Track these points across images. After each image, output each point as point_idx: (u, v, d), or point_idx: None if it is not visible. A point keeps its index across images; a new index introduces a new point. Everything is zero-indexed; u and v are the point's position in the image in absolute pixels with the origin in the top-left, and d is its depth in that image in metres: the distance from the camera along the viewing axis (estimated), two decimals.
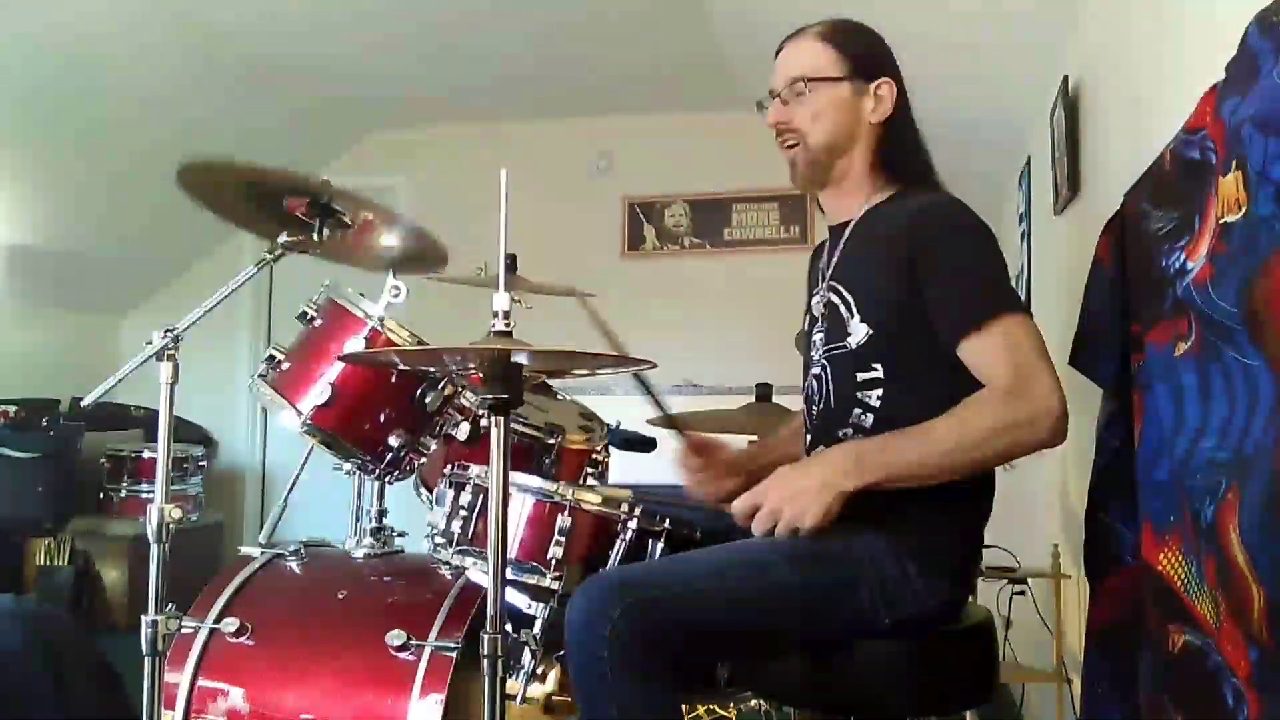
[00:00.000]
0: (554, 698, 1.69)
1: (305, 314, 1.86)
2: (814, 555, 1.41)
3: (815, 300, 1.61)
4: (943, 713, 1.64)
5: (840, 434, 1.51)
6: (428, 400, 1.82)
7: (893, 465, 1.36)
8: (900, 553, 1.40)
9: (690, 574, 1.40)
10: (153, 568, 1.49)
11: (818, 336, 1.57)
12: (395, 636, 1.55)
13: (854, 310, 1.49)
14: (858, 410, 1.49)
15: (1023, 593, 2.51)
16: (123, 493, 4.25)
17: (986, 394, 1.35)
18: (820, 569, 1.40)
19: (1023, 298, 2.95)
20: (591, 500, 1.58)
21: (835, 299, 1.53)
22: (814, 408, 1.58)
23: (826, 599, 1.39)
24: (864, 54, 1.55)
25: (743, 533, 1.46)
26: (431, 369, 1.78)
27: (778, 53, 1.61)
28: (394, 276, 1.85)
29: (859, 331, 1.48)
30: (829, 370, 1.53)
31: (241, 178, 1.70)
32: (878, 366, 1.46)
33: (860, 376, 1.48)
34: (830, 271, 1.57)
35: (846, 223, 1.58)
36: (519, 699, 1.59)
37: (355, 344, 1.78)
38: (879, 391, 1.46)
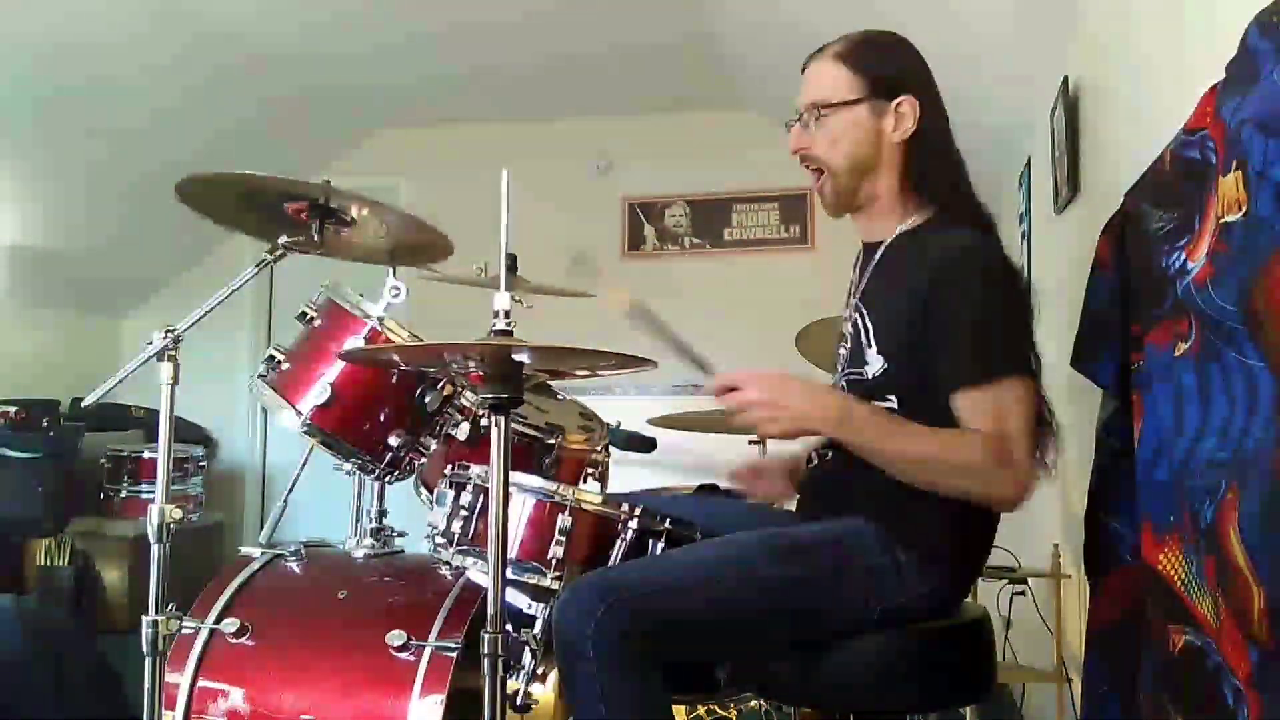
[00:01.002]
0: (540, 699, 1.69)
1: (305, 314, 1.86)
2: (800, 548, 1.42)
3: (845, 316, 1.61)
4: (941, 709, 1.65)
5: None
6: (428, 400, 1.82)
7: (870, 438, 1.40)
8: (891, 541, 1.41)
9: (674, 572, 1.41)
10: (153, 568, 1.49)
11: (841, 353, 1.58)
12: (395, 636, 1.55)
13: (872, 340, 1.49)
14: None
15: (1023, 593, 2.52)
16: (123, 493, 4.25)
17: (980, 438, 1.37)
18: (804, 563, 1.40)
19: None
20: (592, 500, 1.58)
21: (859, 321, 1.53)
22: None
23: (811, 592, 1.40)
24: (883, 72, 1.51)
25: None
26: (432, 368, 1.78)
27: (804, 69, 1.58)
28: (394, 276, 1.85)
29: (875, 362, 1.48)
30: (845, 391, 1.54)
31: (240, 187, 1.70)
32: (891, 399, 1.46)
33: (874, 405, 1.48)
34: (859, 293, 1.57)
35: (880, 242, 1.56)
36: (519, 699, 1.59)
37: (355, 344, 1.78)
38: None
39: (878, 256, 1.55)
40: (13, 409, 3.98)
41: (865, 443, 1.40)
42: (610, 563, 1.55)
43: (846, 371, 1.54)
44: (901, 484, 1.40)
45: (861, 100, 1.50)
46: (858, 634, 1.41)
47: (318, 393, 1.76)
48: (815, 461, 1.61)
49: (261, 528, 1.89)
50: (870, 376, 1.48)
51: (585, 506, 1.56)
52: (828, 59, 1.54)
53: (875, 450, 1.40)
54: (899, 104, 1.50)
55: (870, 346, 1.49)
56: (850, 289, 1.63)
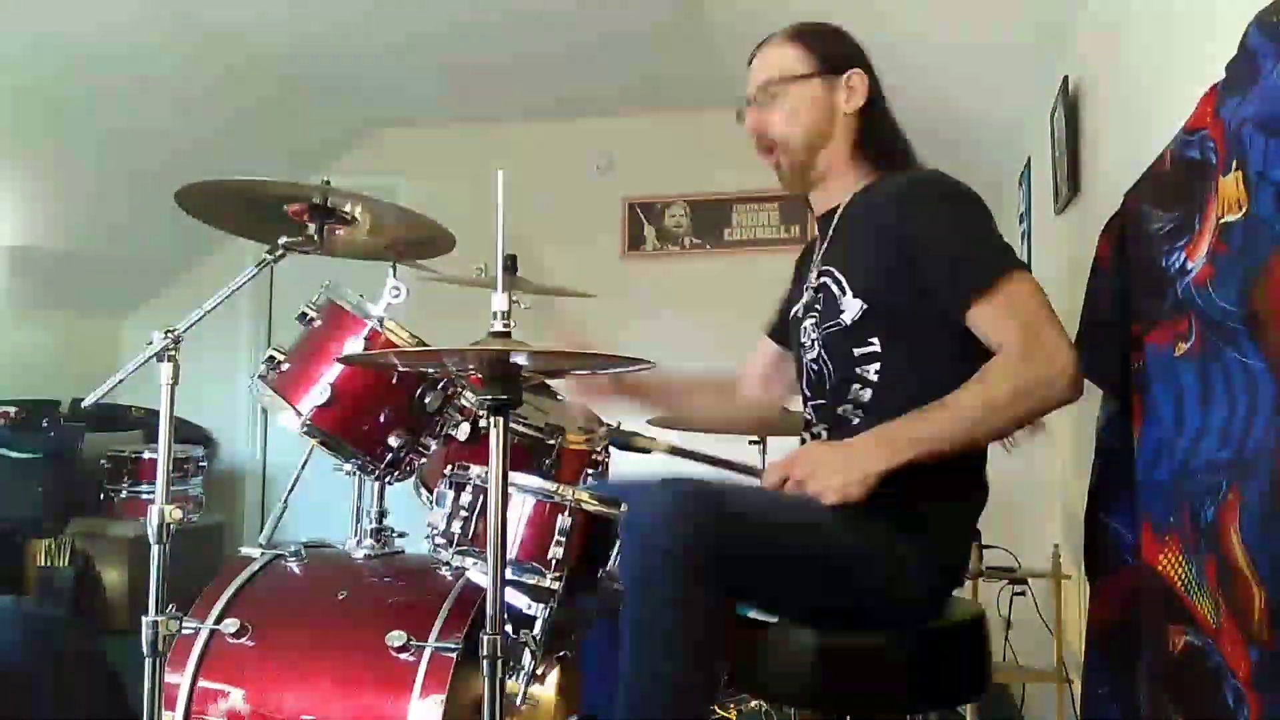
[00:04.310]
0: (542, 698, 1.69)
1: (305, 314, 1.86)
2: (853, 520, 1.39)
3: (805, 288, 1.62)
4: (936, 708, 1.65)
5: (840, 411, 1.52)
6: (427, 401, 1.82)
7: (922, 440, 1.37)
8: (898, 537, 1.41)
9: (767, 505, 1.40)
10: (153, 568, 1.49)
11: (809, 322, 1.58)
12: (395, 637, 1.55)
13: (846, 288, 1.50)
14: (856, 385, 1.50)
15: (1023, 593, 2.52)
16: (123, 493, 4.25)
17: (1001, 360, 1.36)
18: (862, 536, 1.39)
19: None
20: (592, 500, 1.58)
21: (827, 280, 1.54)
22: (812, 391, 1.59)
23: (861, 567, 1.40)
24: (830, 49, 1.59)
25: None
26: (431, 370, 1.78)
27: (750, 61, 1.64)
28: (394, 276, 1.85)
29: (852, 307, 1.49)
30: (826, 351, 1.54)
31: (240, 193, 1.70)
32: (874, 340, 1.48)
33: (857, 351, 1.49)
34: (820, 257, 1.59)
35: (834, 210, 1.60)
36: (519, 700, 1.59)
37: (355, 345, 1.78)
38: (876, 365, 1.47)
39: (836, 219, 1.59)
40: (13, 409, 3.98)
41: (923, 446, 1.36)
42: (610, 563, 1.55)
43: (823, 330, 1.54)
44: (909, 485, 1.39)
45: (814, 74, 1.57)
46: (863, 622, 1.41)
47: (318, 393, 1.76)
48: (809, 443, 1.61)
49: (261, 528, 1.89)
50: (849, 323, 1.49)
51: (585, 507, 1.56)
52: (776, 43, 1.62)
53: (936, 441, 1.37)
54: (849, 77, 1.57)
55: (845, 294, 1.50)
56: (807, 267, 1.65)
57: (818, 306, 1.56)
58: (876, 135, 1.59)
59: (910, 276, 1.43)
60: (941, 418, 1.37)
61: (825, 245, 1.59)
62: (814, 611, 1.43)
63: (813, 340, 1.57)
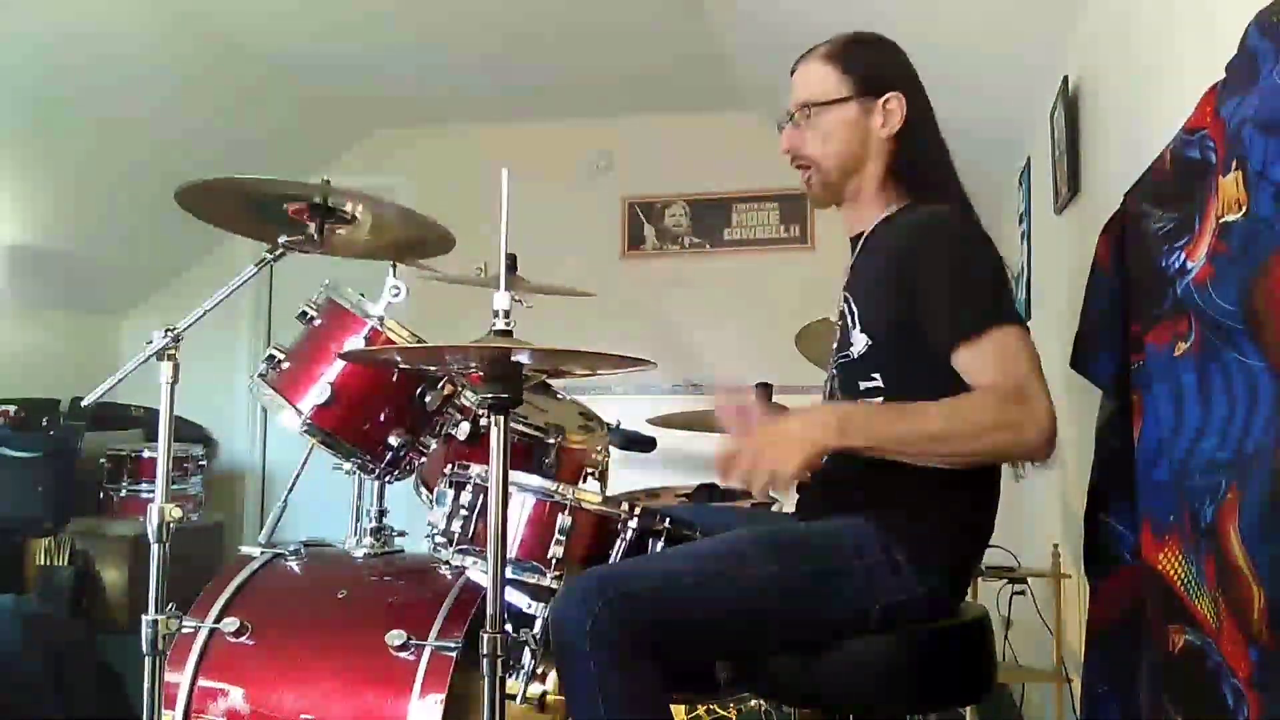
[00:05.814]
0: (549, 696, 1.70)
1: (305, 314, 1.86)
2: (796, 546, 1.41)
3: (836, 308, 1.63)
4: (941, 709, 1.65)
5: None
6: (428, 400, 1.82)
7: (876, 433, 1.35)
8: (889, 541, 1.40)
9: (670, 568, 1.41)
10: (153, 568, 1.49)
11: (834, 344, 1.60)
12: (395, 636, 1.55)
13: (856, 321, 1.51)
14: None
15: (1023, 593, 2.52)
16: (123, 493, 4.24)
17: (983, 393, 1.33)
18: (802, 560, 1.40)
19: (1023, 299, 2.96)
20: (592, 500, 1.58)
21: (845, 308, 1.55)
22: None
23: (809, 591, 1.39)
24: (870, 70, 1.56)
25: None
26: (432, 368, 1.79)
27: (792, 73, 1.62)
28: (394, 276, 1.85)
29: (859, 342, 1.49)
30: (838, 378, 1.56)
31: (240, 191, 1.70)
32: (877, 376, 1.48)
33: (862, 385, 1.49)
34: (845, 282, 1.60)
35: (861, 235, 1.60)
36: (519, 698, 1.59)
37: (355, 344, 1.79)
38: (879, 400, 1.47)
39: (860, 245, 1.59)
40: (13, 409, 3.98)
41: (875, 439, 1.35)
42: (609, 562, 1.55)
43: (836, 357, 1.56)
44: (901, 484, 1.39)
45: (850, 98, 1.54)
46: (857, 634, 1.40)
47: (318, 392, 1.77)
48: None
49: (261, 528, 1.89)
50: (855, 356, 1.50)
51: (585, 506, 1.56)
52: (816, 60, 1.59)
53: (888, 440, 1.35)
54: (886, 100, 1.54)
55: (855, 327, 1.50)
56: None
57: (838, 333, 1.57)
58: (912, 160, 1.56)
59: (913, 318, 1.42)
60: (902, 421, 1.35)
61: (849, 271, 1.60)
62: (784, 645, 1.43)
63: (831, 364, 1.58)
